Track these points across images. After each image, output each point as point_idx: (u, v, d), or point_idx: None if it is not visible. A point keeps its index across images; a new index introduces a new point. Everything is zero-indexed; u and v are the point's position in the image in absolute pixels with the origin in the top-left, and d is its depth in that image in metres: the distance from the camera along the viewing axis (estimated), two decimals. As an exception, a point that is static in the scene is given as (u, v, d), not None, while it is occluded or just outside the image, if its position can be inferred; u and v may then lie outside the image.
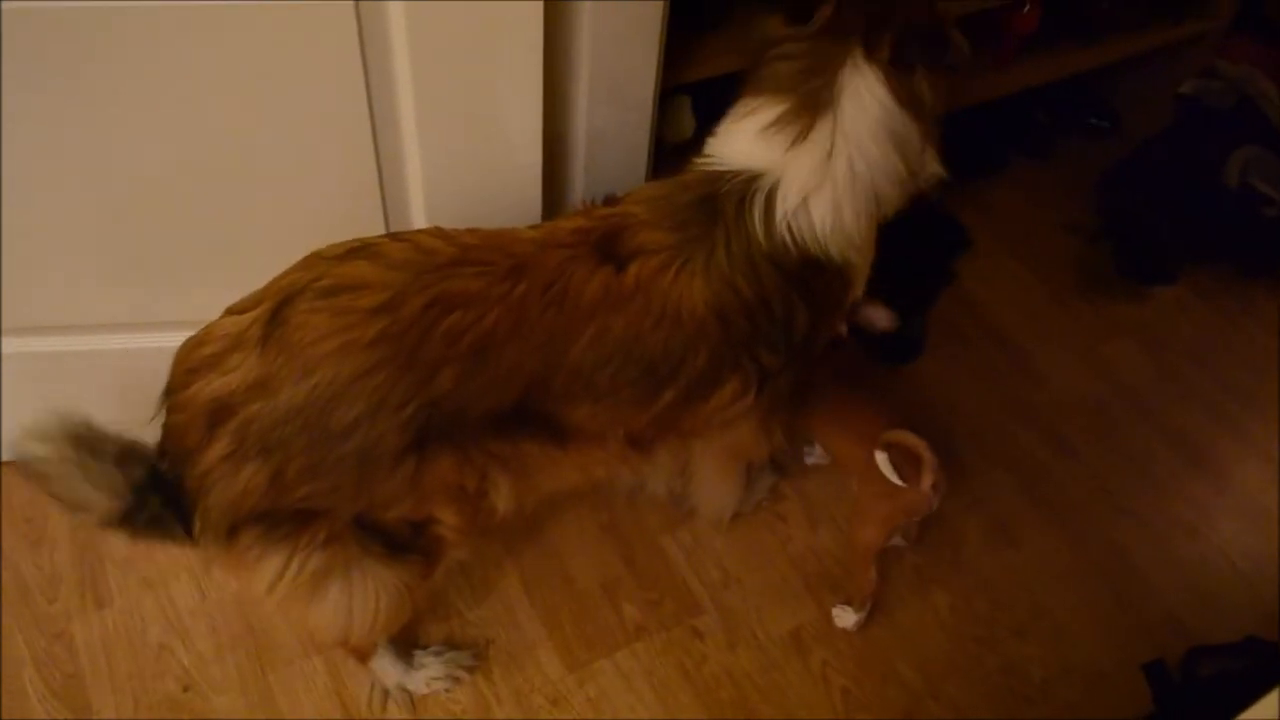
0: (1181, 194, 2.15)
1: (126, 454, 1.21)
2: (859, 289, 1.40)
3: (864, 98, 1.23)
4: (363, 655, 1.48)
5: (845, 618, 1.64)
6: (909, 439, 1.48)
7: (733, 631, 1.63)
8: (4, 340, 1.54)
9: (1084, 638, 1.67)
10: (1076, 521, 1.82)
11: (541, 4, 1.27)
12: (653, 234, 1.23)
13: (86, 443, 1.19)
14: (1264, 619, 1.68)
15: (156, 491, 1.19)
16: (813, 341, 1.36)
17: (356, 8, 1.22)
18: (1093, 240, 2.27)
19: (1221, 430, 2.00)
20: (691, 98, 1.71)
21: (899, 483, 1.46)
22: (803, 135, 1.24)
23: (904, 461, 1.48)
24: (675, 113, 1.69)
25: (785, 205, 1.24)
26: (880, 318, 1.56)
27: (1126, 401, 2.04)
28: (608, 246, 1.22)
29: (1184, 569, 1.77)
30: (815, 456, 1.84)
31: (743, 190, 1.25)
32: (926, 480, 1.46)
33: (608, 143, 1.52)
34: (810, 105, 1.24)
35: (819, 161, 1.24)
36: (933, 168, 1.32)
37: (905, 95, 1.23)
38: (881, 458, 1.47)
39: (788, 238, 1.24)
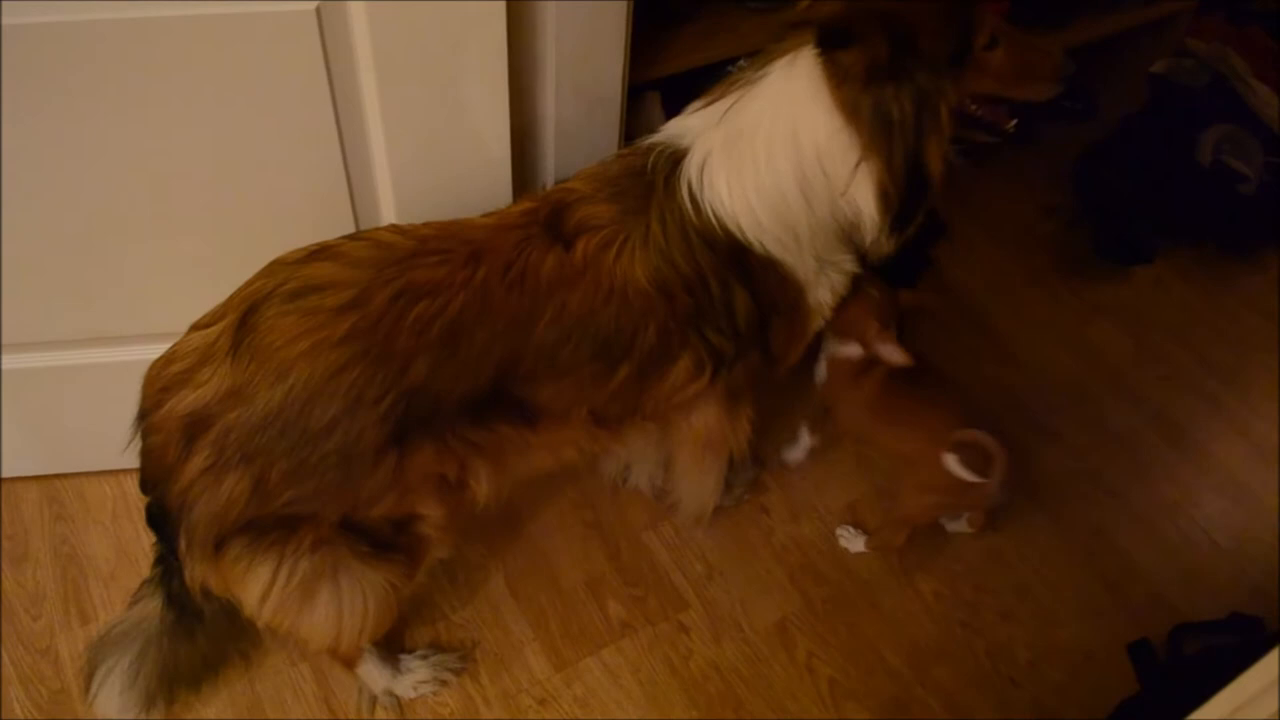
0: (1156, 173, 2.16)
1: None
2: (814, 296, 1.36)
3: (782, 88, 1.21)
4: (349, 661, 1.47)
5: (853, 542, 1.72)
6: (983, 439, 1.48)
7: (718, 625, 1.63)
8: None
9: (1069, 619, 1.67)
10: (1059, 504, 1.83)
11: (504, 4, 1.26)
12: (592, 207, 1.24)
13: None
14: (1248, 595, 1.69)
15: (167, 546, 1.22)
16: (764, 335, 1.35)
17: (318, 11, 1.21)
18: (1070, 222, 2.28)
19: (1202, 408, 2.01)
20: (661, 94, 1.71)
21: (975, 478, 1.48)
22: (706, 104, 1.26)
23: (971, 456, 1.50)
24: (645, 109, 1.69)
25: (690, 172, 1.24)
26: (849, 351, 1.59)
27: (1107, 382, 2.04)
28: (554, 224, 1.23)
29: (1168, 548, 1.78)
30: (798, 451, 1.84)
31: (670, 161, 1.26)
32: (996, 476, 1.48)
33: (576, 138, 1.52)
34: (735, 83, 1.26)
35: (706, 129, 1.25)
36: (858, 196, 1.23)
37: (845, 101, 1.18)
38: (951, 459, 1.48)
39: (709, 213, 1.24)
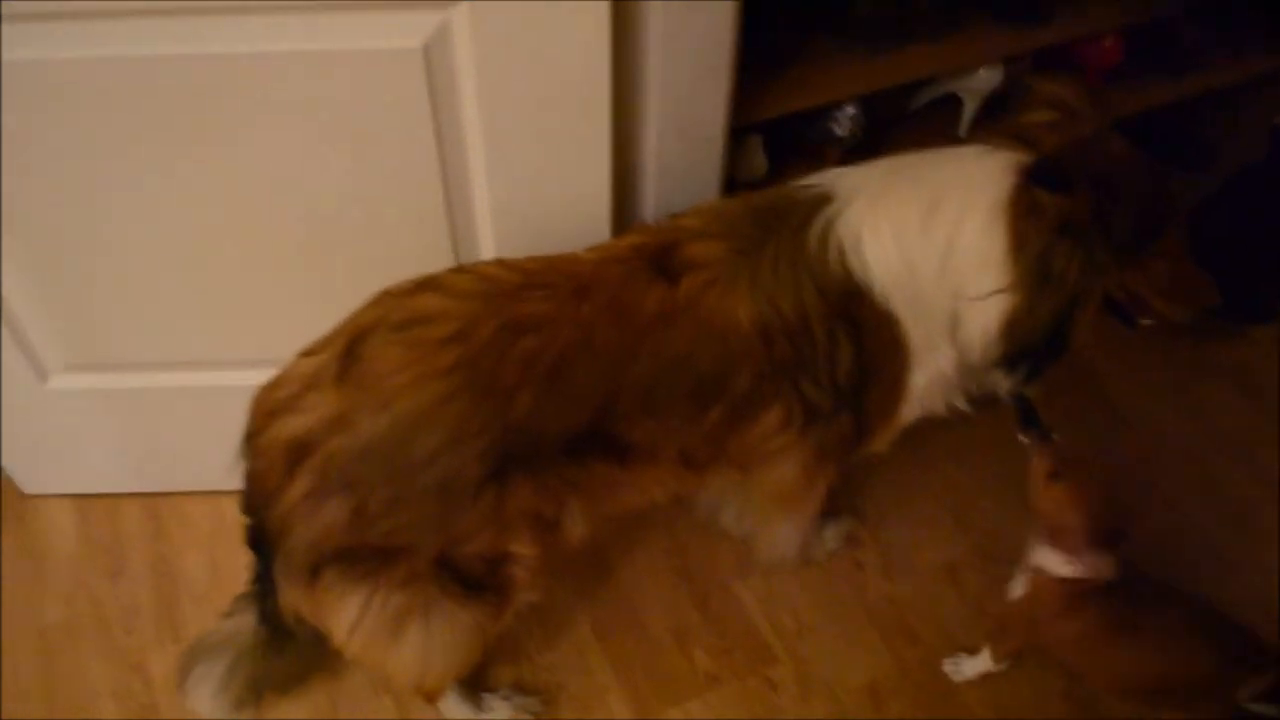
0: (1276, 228, 2.06)
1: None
2: (916, 376, 1.32)
3: (965, 170, 1.21)
4: (432, 696, 1.46)
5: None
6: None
7: (807, 683, 1.58)
8: (85, 377, 1.58)
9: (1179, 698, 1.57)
10: (1168, 572, 1.72)
11: (609, 47, 1.26)
12: (703, 245, 1.22)
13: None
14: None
15: (264, 568, 1.23)
16: (861, 400, 1.31)
17: (425, 50, 1.23)
18: (1185, 278, 2.18)
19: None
20: (764, 138, 1.69)
21: None
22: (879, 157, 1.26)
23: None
24: (747, 152, 1.68)
25: (830, 211, 1.23)
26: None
27: (1223, 447, 1.94)
28: (663, 260, 1.21)
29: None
30: (968, 670, 1.59)
31: (810, 204, 1.24)
32: None
33: (678, 180, 1.51)
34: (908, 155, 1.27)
35: (865, 178, 1.26)
36: (980, 312, 1.22)
37: (1019, 232, 1.17)
38: None
39: (833, 252, 1.22)
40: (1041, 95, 1.24)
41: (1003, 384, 1.33)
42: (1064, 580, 1.33)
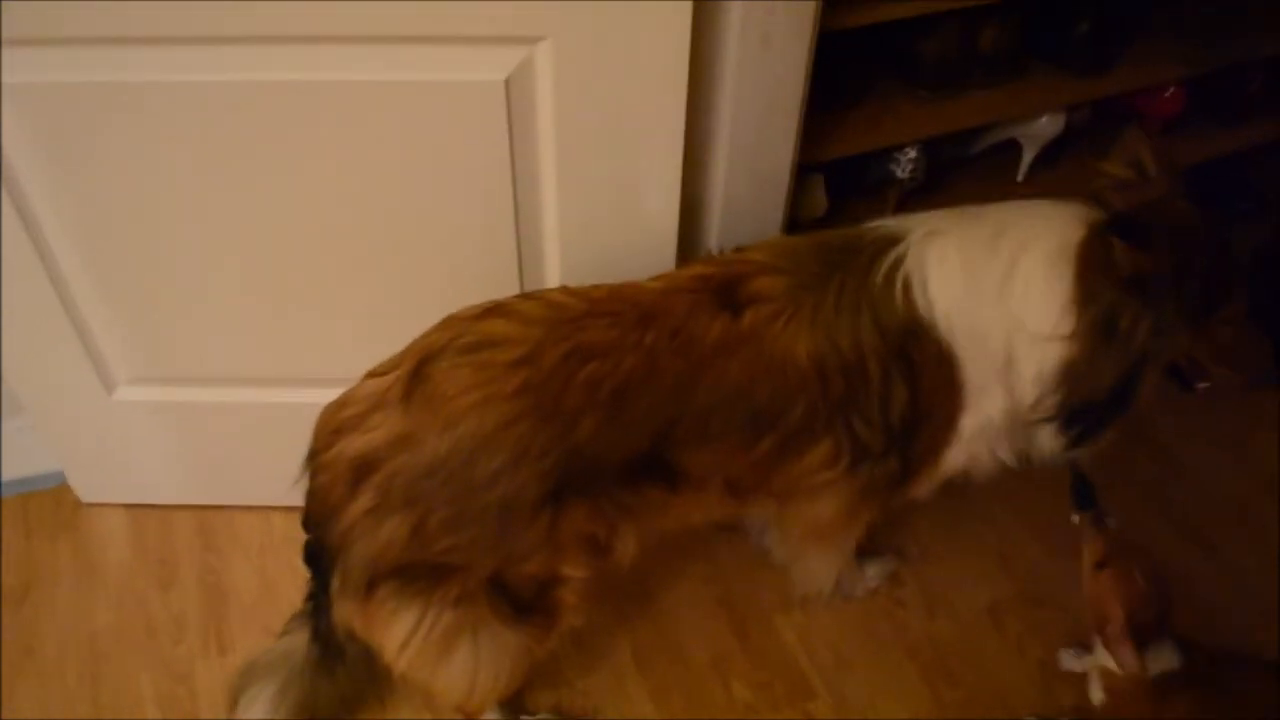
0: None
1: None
2: (968, 418, 1.31)
3: (1035, 218, 1.23)
4: (473, 716, 1.47)
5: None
6: None
7: (845, 718, 1.57)
8: (150, 389, 1.62)
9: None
10: (1208, 622, 1.70)
11: (685, 86, 1.29)
12: (770, 279, 1.24)
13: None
14: None
15: (320, 584, 1.25)
16: (913, 436, 1.31)
17: (506, 83, 1.26)
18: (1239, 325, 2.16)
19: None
20: (825, 176, 1.71)
21: None
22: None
23: None
24: (809, 190, 1.69)
25: (900, 249, 1.24)
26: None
27: (1273, 499, 1.91)
28: (727, 292, 1.23)
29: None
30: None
31: (882, 243, 1.26)
32: None
33: (742, 216, 1.53)
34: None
35: (939, 219, 1.27)
36: (1037, 354, 1.23)
37: (1089, 282, 1.18)
38: None
39: (899, 288, 1.23)
40: (1125, 151, 1.25)
41: (1055, 444, 1.33)
42: (1133, 677, 1.26)
